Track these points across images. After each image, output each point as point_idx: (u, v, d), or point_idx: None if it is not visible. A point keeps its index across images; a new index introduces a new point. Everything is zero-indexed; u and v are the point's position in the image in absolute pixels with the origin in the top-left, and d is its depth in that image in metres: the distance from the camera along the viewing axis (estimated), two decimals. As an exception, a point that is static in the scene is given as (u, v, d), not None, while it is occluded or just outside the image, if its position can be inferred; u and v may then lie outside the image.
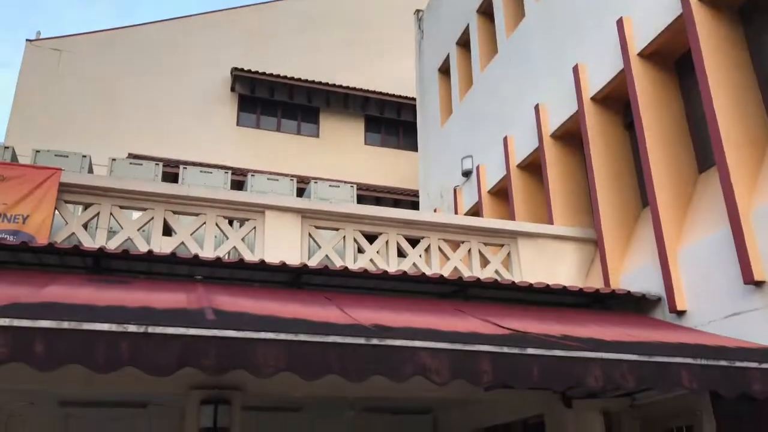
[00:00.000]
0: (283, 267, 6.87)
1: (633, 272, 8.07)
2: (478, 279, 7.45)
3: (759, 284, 6.28)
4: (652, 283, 7.60)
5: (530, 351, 4.32)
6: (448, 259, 8.69)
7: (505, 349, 4.28)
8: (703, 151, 7.91)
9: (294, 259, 7.44)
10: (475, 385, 4.18)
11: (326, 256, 8.06)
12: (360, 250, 8.47)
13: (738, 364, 4.71)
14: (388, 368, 3.98)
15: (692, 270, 7.17)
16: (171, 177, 12.34)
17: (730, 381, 4.65)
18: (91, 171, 10.10)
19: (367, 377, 3.93)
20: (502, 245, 8.98)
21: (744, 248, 6.37)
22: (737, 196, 6.54)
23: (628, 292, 7.66)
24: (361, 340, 4.01)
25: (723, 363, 4.69)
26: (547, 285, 7.41)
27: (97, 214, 7.41)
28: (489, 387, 7.78)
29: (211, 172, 10.32)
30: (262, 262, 6.87)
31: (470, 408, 10.78)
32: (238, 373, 4.75)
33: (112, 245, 7.14)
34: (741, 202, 6.53)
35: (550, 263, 8.87)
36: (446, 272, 8.19)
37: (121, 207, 7.55)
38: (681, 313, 7.16)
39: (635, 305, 7.82)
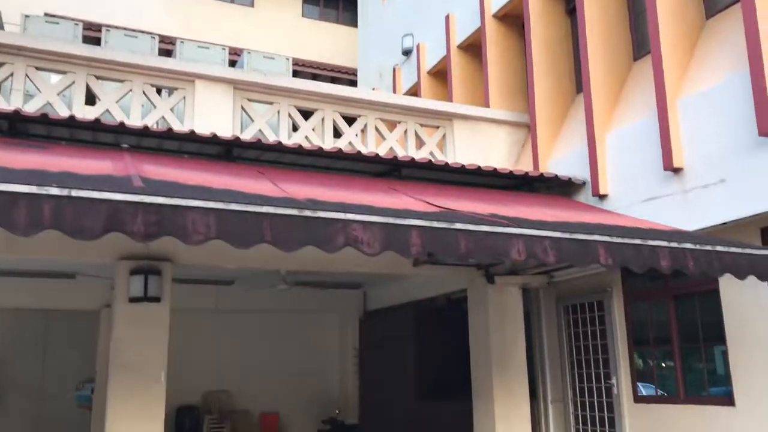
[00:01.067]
0: (214, 139, 6.69)
1: (562, 157, 8.31)
2: (413, 159, 7.50)
3: (677, 171, 6.60)
4: (578, 168, 7.87)
5: (458, 226, 4.45)
6: (384, 139, 8.67)
7: (435, 224, 4.39)
8: (640, 39, 7.98)
9: (225, 132, 7.24)
10: (405, 256, 4.30)
11: (259, 130, 7.88)
12: (295, 127, 8.31)
13: (650, 242, 5.02)
14: (320, 239, 4.03)
15: (617, 155, 7.44)
16: (92, 41, 11.49)
17: (641, 257, 4.96)
18: (1, 28, 9.29)
19: (299, 248, 3.97)
20: (438, 127, 9.01)
21: (667, 135, 6.62)
22: (666, 83, 6.70)
23: (556, 175, 7.92)
24: (294, 212, 4.01)
25: (637, 241, 4.98)
26: (479, 167, 7.56)
27: (11, 74, 6.90)
28: (418, 262, 8.09)
29: (136, 37, 9.69)
30: (192, 132, 6.65)
31: (398, 283, 11.22)
32: (168, 243, 4.73)
33: (30, 109, 6.73)
34: (669, 90, 6.70)
35: (484, 146, 9.00)
36: (382, 152, 8.20)
37: (38, 68, 7.05)
38: (603, 197, 7.50)
39: (562, 188, 8.12)
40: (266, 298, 11.48)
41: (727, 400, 6.48)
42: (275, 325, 12.64)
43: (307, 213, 4.04)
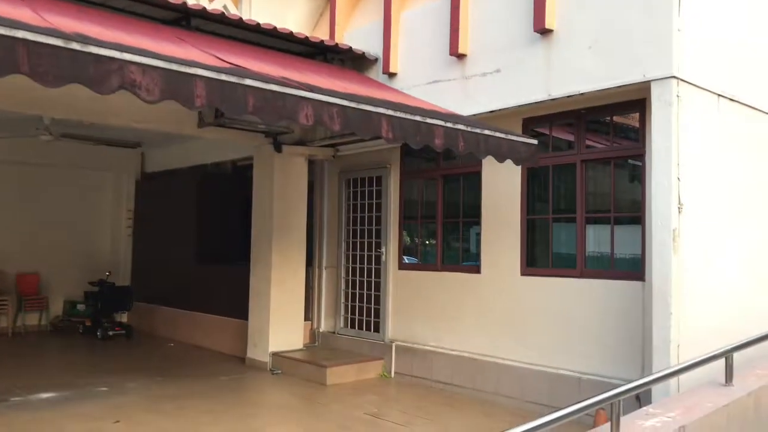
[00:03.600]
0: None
1: (358, 30, 8.31)
2: (204, 9, 6.97)
3: (461, 57, 6.98)
4: (373, 44, 7.96)
5: (248, 82, 4.29)
6: (173, -16, 7.88)
7: (223, 77, 4.18)
8: None
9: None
10: (189, 107, 4.07)
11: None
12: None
13: (428, 120, 5.33)
14: (90, 78, 3.62)
15: (410, 35, 7.64)
16: None
17: (419, 134, 5.27)
18: None
19: (63, 83, 3.54)
20: (234, -20, 8.41)
21: (456, 21, 6.91)
22: (464, -32, 6.89)
23: (350, 48, 7.93)
24: (59, 42, 3.53)
25: (417, 118, 5.26)
26: (275, 27, 7.28)
27: None
28: (203, 123, 7.76)
29: None
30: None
31: (181, 145, 10.74)
32: None
33: None
34: (466, -25, 6.90)
35: (281, 8, 8.65)
36: (170, -3, 7.48)
37: None
38: (392, 75, 7.73)
39: (355, 62, 8.19)
40: (29, 150, 10.34)
41: (476, 268, 7.41)
42: (40, 180, 11.51)
43: (75, 46, 3.58)
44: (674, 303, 5.23)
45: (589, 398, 3.16)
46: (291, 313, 8.79)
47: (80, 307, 11.44)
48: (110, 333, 10.69)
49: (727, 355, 4.33)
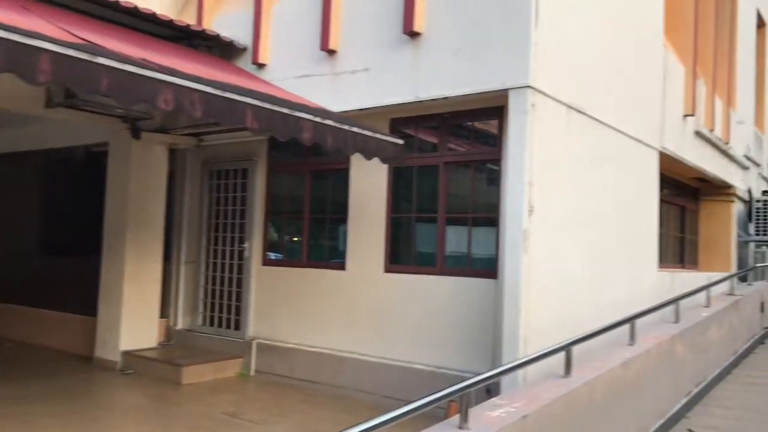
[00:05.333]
0: None
1: (228, 17, 8.07)
2: (56, -21, 6.44)
3: (331, 53, 6.98)
4: (242, 32, 7.76)
5: (101, 60, 4.00)
6: (20, -52, 7.19)
7: (72, 53, 3.86)
8: None
9: None
10: (32, 83, 3.72)
11: None
12: None
13: (296, 113, 5.27)
14: None
15: (281, 26, 7.53)
16: None
17: (286, 127, 5.20)
18: None
19: None
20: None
21: (327, 15, 6.91)
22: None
23: (218, 35, 7.68)
24: None
25: (284, 111, 5.18)
26: (136, 6, 6.87)
27: None
28: (52, 104, 7.17)
29: None
30: None
31: (26, 127, 9.86)
32: None
33: None
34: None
35: (146, -13, 8.17)
36: (16, -37, 6.81)
37: None
38: (261, 66, 7.58)
39: (223, 50, 7.93)
40: None
41: (341, 265, 7.44)
42: None
43: None
44: (523, 299, 5.56)
45: (439, 391, 3.27)
46: (145, 309, 8.34)
47: None
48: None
49: (566, 348, 4.65)
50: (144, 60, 4.98)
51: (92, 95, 6.82)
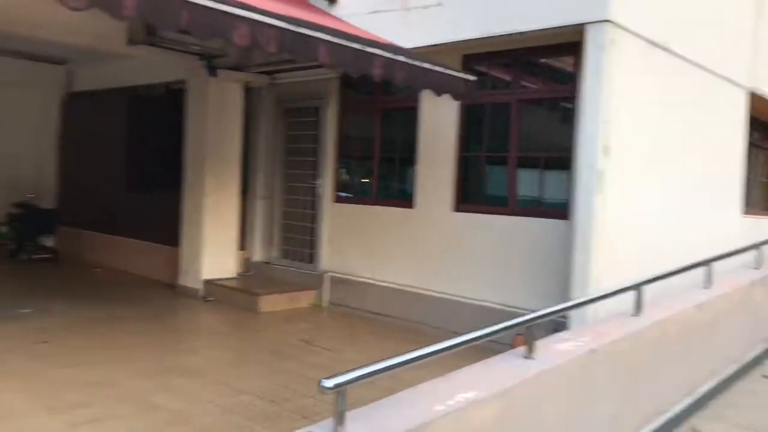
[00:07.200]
0: None
1: (301, -46, 8.01)
2: None
3: (404, -13, 6.86)
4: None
5: (182, -4, 4.12)
6: None
7: (155, -10, 3.99)
8: None
9: None
10: (116, 17, 3.88)
11: None
12: None
13: (368, 49, 5.27)
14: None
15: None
16: None
17: (358, 62, 5.22)
18: None
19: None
20: None
21: (401, -51, 6.74)
22: None
23: (292, -29, 7.66)
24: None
25: (356, 46, 5.19)
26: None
27: None
28: (134, 41, 7.42)
29: None
30: None
31: (110, 64, 10.25)
32: None
33: None
34: None
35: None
36: None
37: None
38: (333, 2, 7.54)
39: (295, -13, 7.91)
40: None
41: (409, 203, 7.52)
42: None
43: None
44: (595, 240, 5.49)
45: (506, 322, 3.33)
46: (224, 240, 8.74)
47: (2, 228, 10.99)
48: (34, 256, 10.37)
49: (637, 288, 4.60)
50: (220, -4, 5.07)
51: (171, 32, 7.00)
